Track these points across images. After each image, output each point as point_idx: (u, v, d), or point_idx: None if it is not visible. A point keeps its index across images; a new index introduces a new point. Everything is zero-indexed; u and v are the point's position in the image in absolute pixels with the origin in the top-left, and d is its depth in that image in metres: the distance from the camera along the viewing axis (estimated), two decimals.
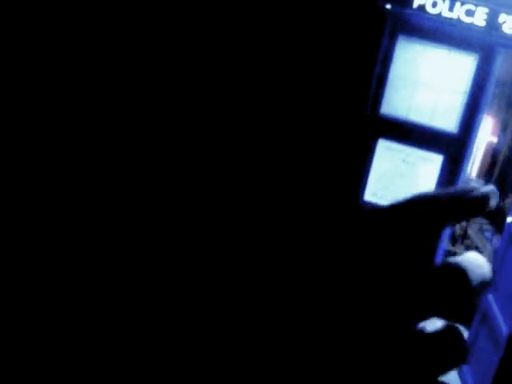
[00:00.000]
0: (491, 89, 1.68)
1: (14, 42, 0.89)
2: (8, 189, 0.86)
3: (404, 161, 2.04)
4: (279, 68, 1.46)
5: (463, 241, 3.79)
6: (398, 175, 2.09)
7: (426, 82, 1.71)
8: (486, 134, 4.57)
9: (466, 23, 1.52)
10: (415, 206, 0.26)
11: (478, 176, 4.95)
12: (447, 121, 1.79)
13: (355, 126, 1.83)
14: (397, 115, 1.80)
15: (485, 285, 0.25)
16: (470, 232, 3.93)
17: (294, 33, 1.42)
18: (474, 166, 4.74)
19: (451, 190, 0.26)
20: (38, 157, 0.93)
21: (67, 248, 0.88)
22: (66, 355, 0.78)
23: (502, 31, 1.49)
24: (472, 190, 0.26)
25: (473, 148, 2.02)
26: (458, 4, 1.49)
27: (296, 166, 1.65)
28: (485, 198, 0.26)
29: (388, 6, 1.53)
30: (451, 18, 1.51)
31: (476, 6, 1.48)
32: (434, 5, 1.52)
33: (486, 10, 1.49)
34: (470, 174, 4.40)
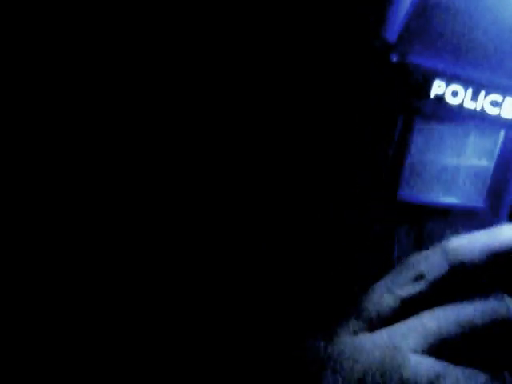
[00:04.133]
0: None
1: (14, 42, 0.96)
2: (8, 189, 0.94)
3: (427, 241, 1.90)
4: (296, 160, 1.46)
5: None
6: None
7: (447, 161, 1.55)
8: None
9: (492, 115, 1.34)
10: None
11: None
12: (472, 198, 1.62)
13: (374, 213, 1.74)
14: (417, 198, 1.63)
15: None
16: None
17: (311, 122, 1.40)
18: None
19: None
20: (38, 157, 0.99)
21: (67, 248, 0.96)
22: (65, 355, 0.85)
23: None
24: None
25: (504, 222, 1.87)
26: (481, 94, 1.31)
27: (322, 213, 1.68)
28: None
29: (401, 94, 1.37)
30: (475, 110, 1.33)
31: (503, 96, 1.30)
32: (455, 94, 1.35)
33: None
34: None
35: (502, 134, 1.47)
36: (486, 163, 1.55)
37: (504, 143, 1.46)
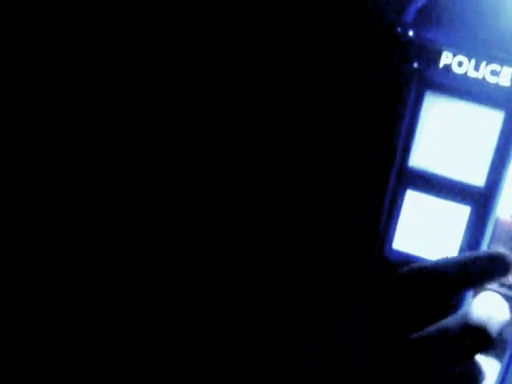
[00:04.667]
0: None
1: (14, 42, 0.88)
2: (8, 189, 0.86)
3: (432, 211, 2.06)
4: (309, 120, 1.48)
5: None
6: (426, 224, 2.11)
7: (453, 137, 1.75)
8: None
9: (492, 83, 1.56)
10: (440, 272, 0.28)
11: None
12: (474, 174, 1.83)
13: (384, 178, 1.86)
14: (424, 168, 1.85)
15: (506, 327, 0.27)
16: None
17: (320, 89, 1.44)
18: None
19: (474, 256, 0.28)
20: (38, 157, 0.92)
21: (67, 248, 0.87)
22: (65, 355, 0.77)
23: None
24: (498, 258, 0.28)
25: (499, 200, 2.06)
26: (483, 64, 1.54)
27: (322, 213, 1.60)
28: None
29: (414, 65, 1.58)
30: (477, 78, 1.55)
31: (501, 66, 1.52)
32: (460, 64, 1.57)
33: (511, 70, 1.53)
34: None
35: (504, 114, 1.68)
36: (488, 143, 1.77)
37: (505, 124, 1.68)
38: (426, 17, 1.64)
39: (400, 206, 2.06)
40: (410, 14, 1.57)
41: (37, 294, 0.82)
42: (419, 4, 1.56)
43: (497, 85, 1.69)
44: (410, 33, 1.68)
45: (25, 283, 0.82)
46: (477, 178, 1.91)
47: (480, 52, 1.68)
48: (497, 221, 2.18)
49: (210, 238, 0.98)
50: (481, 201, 1.99)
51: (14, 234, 0.85)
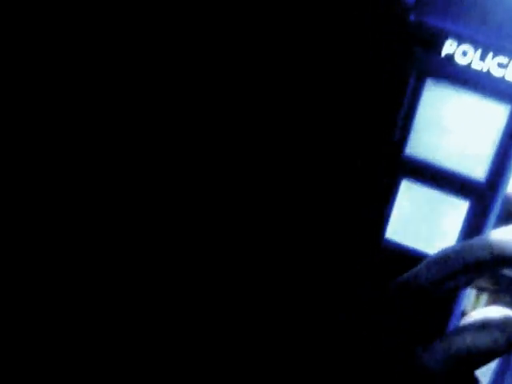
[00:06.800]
0: None
1: (14, 42, 0.89)
2: (7, 189, 0.85)
3: (428, 203, 1.84)
4: (306, 108, 1.40)
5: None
6: (421, 216, 1.93)
7: (455, 127, 1.53)
8: None
9: (497, 77, 1.40)
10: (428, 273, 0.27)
11: None
12: (475, 168, 1.57)
13: (378, 165, 1.59)
14: (422, 157, 1.58)
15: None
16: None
17: (318, 74, 1.41)
18: None
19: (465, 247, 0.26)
20: (38, 157, 0.91)
21: (67, 248, 0.85)
22: (65, 355, 0.75)
23: None
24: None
25: (501, 196, 1.84)
26: (489, 55, 1.41)
27: (315, 203, 1.38)
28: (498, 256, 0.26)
29: (415, 51, 1.47)
30: (481, 70, 1.40)
31: (509, 58, 1.39)
32: (464, 54, 1.44)
33: None
34: None
35: (509, 108, 1.52)
36: (491, 137, 1.56)
37: (510, 119, 1.49)
38: (430, 0, 1.60)
39: (394, 196, 1.86)
40: None
41: (36, 293, 0.81)
42: None
43: (503, 79, 1.48)
44: (411, 16, 1.60)
45: (24, 283, 0.81)
46: (478, 171, 1.62)
47: (486, 42, 1.54)
48: (506, 197, 1.83)
49: (211, 237, 0.93)
50: (481, 196, 1.80)
51: (13, 232, 0.85)
